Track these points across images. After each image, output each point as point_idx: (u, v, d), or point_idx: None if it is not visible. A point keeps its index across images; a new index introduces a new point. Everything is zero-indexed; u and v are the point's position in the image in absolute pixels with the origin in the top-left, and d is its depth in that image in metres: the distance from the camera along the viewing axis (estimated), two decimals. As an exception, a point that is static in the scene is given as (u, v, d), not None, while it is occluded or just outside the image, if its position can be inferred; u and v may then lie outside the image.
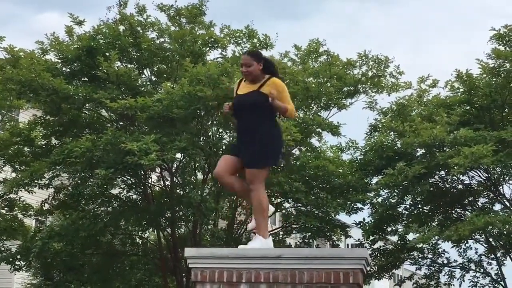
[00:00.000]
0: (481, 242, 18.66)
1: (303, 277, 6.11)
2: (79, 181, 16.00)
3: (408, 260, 19.67)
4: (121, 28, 16.24)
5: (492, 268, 19.40)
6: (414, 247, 17.73)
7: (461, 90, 17.65)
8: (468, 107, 17.57)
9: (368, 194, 17.85)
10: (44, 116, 16.80)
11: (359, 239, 19.28)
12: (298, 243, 20.44)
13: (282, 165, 15.09)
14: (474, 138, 15.60)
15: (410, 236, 17.68)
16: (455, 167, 15.26)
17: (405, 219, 18.60)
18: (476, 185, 18.21)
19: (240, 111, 6.79)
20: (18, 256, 17.94)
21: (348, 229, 19.08)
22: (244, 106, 6.73)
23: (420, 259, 19.56)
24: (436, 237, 15.84)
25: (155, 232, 18.35)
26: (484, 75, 17.17)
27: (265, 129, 6.67)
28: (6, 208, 18.33)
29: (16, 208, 18.43)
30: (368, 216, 18.57)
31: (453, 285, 20.25)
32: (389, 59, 17.63)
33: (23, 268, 18.97)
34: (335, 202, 16.95)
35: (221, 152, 16.43)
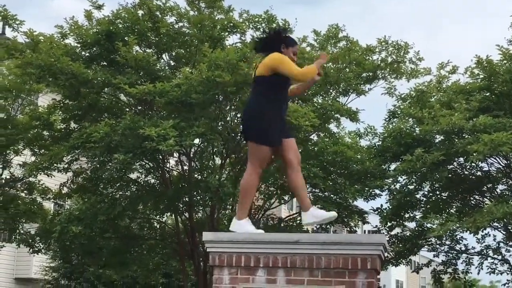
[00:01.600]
0: (499, 230, 18.60)
1: (320, 262, 6.11)
2: (98, 165, 16.06)
3: (426, 246, 19.63)
4: (140, 12, 16.22)
5: (510, 255, 19.36)
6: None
7: (481, 76, 17.52)
8: (488, 94, 17.43)
9: (386, 180, 17.80)
10: (63, 100, 16.86)
11: (376, 226, 19.26)
12: (315, 228, 20.45)
13: None
14: (494, 125, 15.50)
15: (429, 224, 17.64)
16: (474, 154, 15.17)
17: (423, 205, 18.55)
18: (495, 172, 18.11)
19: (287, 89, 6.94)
20: (37, 239, 18.10)
21: (365, 215, 19.06)
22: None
23: (438, 246, 19.52)
24: (456, 225, 15.76)
25: (173, 217, 18.42)
26: (505, 61, 17.03)
27: None
28: (25, 191, 18.47)
29: (35, 191, 18.57)
30: (386, 203, 18.55)
31: (471, 272, 20.23)
32: (409, 45, 17.52)
33: (42, 251, 19.15)
34: (353, 188, 16.93)
35: (238, 137, 16.48)
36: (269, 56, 6.74)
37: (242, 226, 6.57)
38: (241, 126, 7.35)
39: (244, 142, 7.44)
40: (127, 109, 16.62)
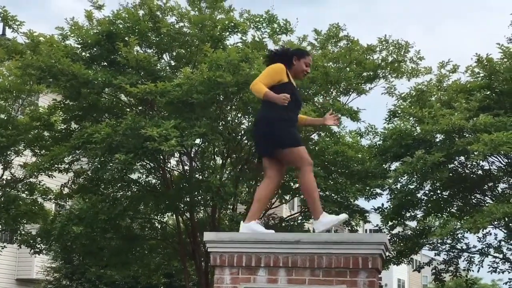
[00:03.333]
0: (500, 228, 18.58)
1: (321, 261, 6.13)
2: (99, 166, 16.06)
3: (427, 245, 19.62)
4: (141, 12, 16.22)
5: (512, 253, 19.33)
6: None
7: (482, 75, 17.50)
8: (488, 92, 17.42)
9: (387, 179, 17.79)
10: (64, 101, 16.86)
11: (377, 225, 19.25)
12: (316, 228, 20.43)
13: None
14: (494, 124, 15.48)
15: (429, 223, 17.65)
16: (475, 153, 15.15)
17: (424, 205, 18.53)
18: (496, 170, 18.08)
19: (298, 104, 7.04)
20: (39, 239, 18.10)
21: (367, 214, 19.06)
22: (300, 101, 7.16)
23: (439, 245, 19.50)
24: (457, 226, 15.74)
25: (174, 217, 18.42)
26: (505, 60, 17.01)
27: None
28: (26, 192, 18.46)
29: (36, 192, 18.56)
30: (387, 202, 18.52)
31: (472, 271, 20.21)
32: (410, 44, 17.50)
33: (43, 251, 19.15)
34: (354, 188, 16.92)
35: (239, 137, 16.49)
36: None
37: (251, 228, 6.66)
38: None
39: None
40: (128, 109, 16.62)
